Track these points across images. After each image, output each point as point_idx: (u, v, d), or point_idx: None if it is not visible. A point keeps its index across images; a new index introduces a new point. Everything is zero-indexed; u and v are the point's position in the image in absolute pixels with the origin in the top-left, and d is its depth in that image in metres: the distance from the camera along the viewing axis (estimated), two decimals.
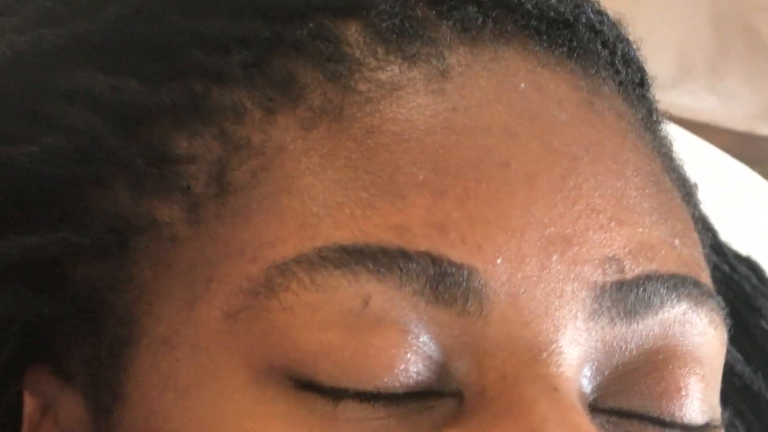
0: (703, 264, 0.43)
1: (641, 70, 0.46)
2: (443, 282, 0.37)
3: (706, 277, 0.42)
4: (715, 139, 0.86)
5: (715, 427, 0.41)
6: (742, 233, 0.63)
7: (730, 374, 0.54)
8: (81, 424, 0.41)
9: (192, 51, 0.41)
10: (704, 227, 0.54)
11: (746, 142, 1.24)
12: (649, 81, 0.46)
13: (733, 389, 0.54)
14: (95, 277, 0.41)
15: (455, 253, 0.37)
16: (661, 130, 0.45)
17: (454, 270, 0.37)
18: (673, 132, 0.82)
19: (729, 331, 0.42)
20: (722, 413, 0.42)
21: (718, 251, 0.57)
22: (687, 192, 0.45)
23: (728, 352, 0.54)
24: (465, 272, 0.37)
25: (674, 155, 0.46)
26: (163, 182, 0.40)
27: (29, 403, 0.43)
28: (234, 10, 0.41)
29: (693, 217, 0.45)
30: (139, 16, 0.42)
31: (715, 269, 0.56)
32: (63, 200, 0.41)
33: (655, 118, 0.45)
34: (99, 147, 0.41)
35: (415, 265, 0.37)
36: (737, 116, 1.26)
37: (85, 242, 0.41)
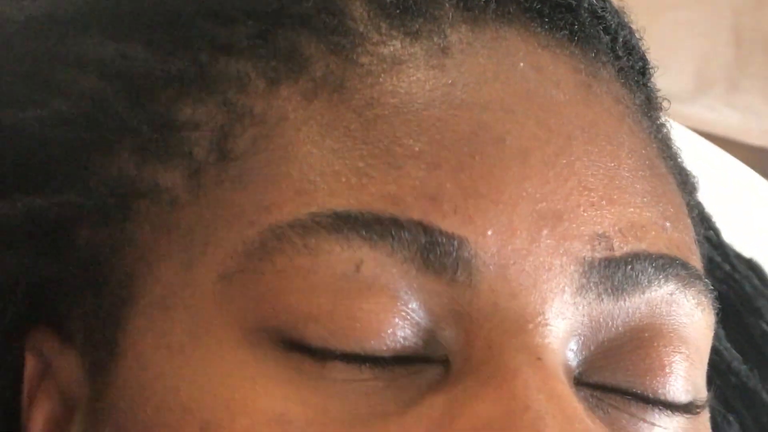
0: (694, 248, 0.43)
1: (643, 59, 0.46)
2: (434, 251, 0.38)
3: (696, 261, 0.43)
4: (732, 153, 0.86)
5: (698, 406, 0.42)
6: (757, 241, 0.64)
7: (727, 372, 0.54)
8: (77, 384, 0.42)
9: (200, 21, 0.42)
10: (705, 223, 0.54)
11: (764, 156, 1.24)
12: (651, 70, 0.47)
13: (729, 386, 0.54)
14: (98, 239, 0.42)
15: (447, 224, 0.38)
16: (659, 118, 0.46)
17: (444, 240, 0.38)
18: (691, 142, 0.82)
19: (717, 314, 0.43)
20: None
21: (719, 250, 0.57)
22: (683, 180, 0.46)
23: (726, 350, 0.55)
24: (455, 242, 0.38)
25: (671, 143, 0.46)
26: (167, 148, 0.41)
27: (30, 364, 0.43)
28: None
29: (688, 204, 0.45)
30: None
31: (716, 268, 0.56)
32: (69, 164, 0.42)
33: (654, 106, 0.46)
34: (106, 113, 0.42)
35: (406, 233, 0.38)
36: (755, 131, 1.26)
37: (89, 205, 0.42)
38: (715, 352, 0.48)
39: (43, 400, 0.43)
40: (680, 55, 1.26)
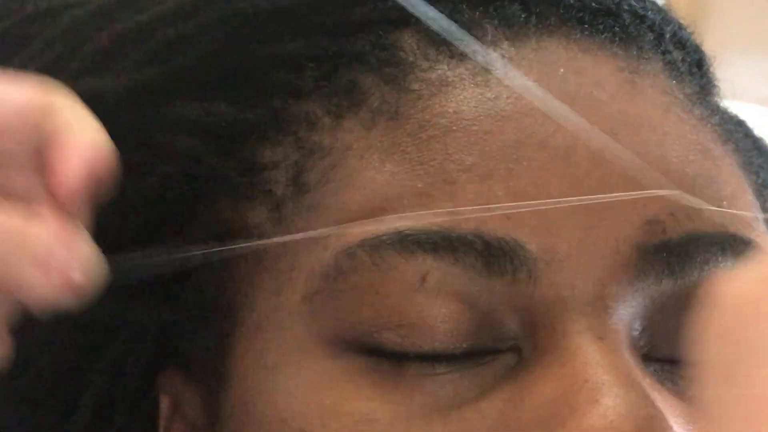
0: (756, 224, 0.44)
1: (698, 51, 0.48)
2: (493, 255, 0.40)
3: (759, 236, 0.44)
4: None
5: None
6: None
7: None
8: (200, 414, 0.46)
9: (271, 72, 0.46)
10: None
11: None
12: (708, 60, 0.48)
13: None
14: (203, 279, 0.46)
15: (503, 229, 0.40)
16: (715, 104, 0.48)
17: (502, 244, 0.40)
18: None
19: None
20: None
21: None
22: (747, 160, 0.47)
23: None
24: (512, 245, 0.40)
25: (736, 126, 0.48)
26: (252, 189, 0.45)
27: (164, 403, 0.48)
28: (305, 31, 0.46)
29: (755, 184, 0.47)
30: (226, 48, 0.47)
31: None
32: (175, 215, 0.47)
33: (710, 93, 0.48)
34: (201, 166, 0.46)
35: (466, 242, 0.40)
36: None
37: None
38: None
39: None
40: None
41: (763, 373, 0.27)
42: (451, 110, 0.43)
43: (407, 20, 0.45)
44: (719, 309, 0.29)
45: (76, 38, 0.49)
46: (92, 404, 0.48)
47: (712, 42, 0.52)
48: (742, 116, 0.55)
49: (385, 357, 0.41)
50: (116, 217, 0.48)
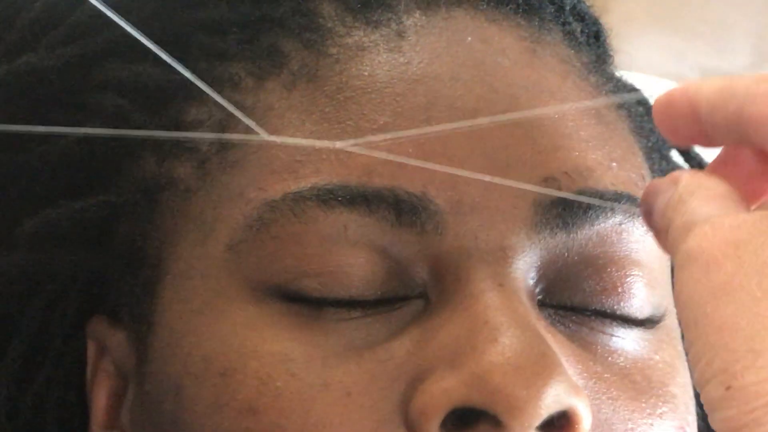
0: (643, 184, 0.48)
1: (596, 23, 0.52)
2: (403, 208, 0.44)
3: None
4: None
5: (655, 321, 0.46)
6: None
7: None
8: (127, 357, 0.49)
9: (197, 36, 0.49)
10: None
11: None
12: (605, 32, 0.52)
13: None
14: (130, 230, 0.49)
15: (412, 185, 0.44)
16: (611, 73, 0.51)
17: (412, 198, 0.44)
18: None
19: None
20: None
21: None
22: (639, 125, 0.51)
23: None
24: (421, 199, 0.44)
25: (627, 94, 0.52)
26: (178, 145, 0.48)
27: (90, 348, 0.51)
28: None
29: (646, 147, 0.51)
30: (155, 15, 0.50)
31: None
32: (103, 170, 0.50)
33: (605, 62, 0.51)
34: (128, 124, 0.49)
35: (378, 196, 0.43)
36: None
37: (122, 202, 0.49)
38: None
39: (102, 378, 0.50)
40: (737, 33, 1.29)
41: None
42: (366, 73, 0.46)
43: None
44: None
45: (9, 9, 0.52)
46: (21, 351, 0.51)
47: (617, 19, 0.55)
48: (646, 89, 0.59)
49: (304, 303, 0.44)
50: (45, 172, 0.50)
